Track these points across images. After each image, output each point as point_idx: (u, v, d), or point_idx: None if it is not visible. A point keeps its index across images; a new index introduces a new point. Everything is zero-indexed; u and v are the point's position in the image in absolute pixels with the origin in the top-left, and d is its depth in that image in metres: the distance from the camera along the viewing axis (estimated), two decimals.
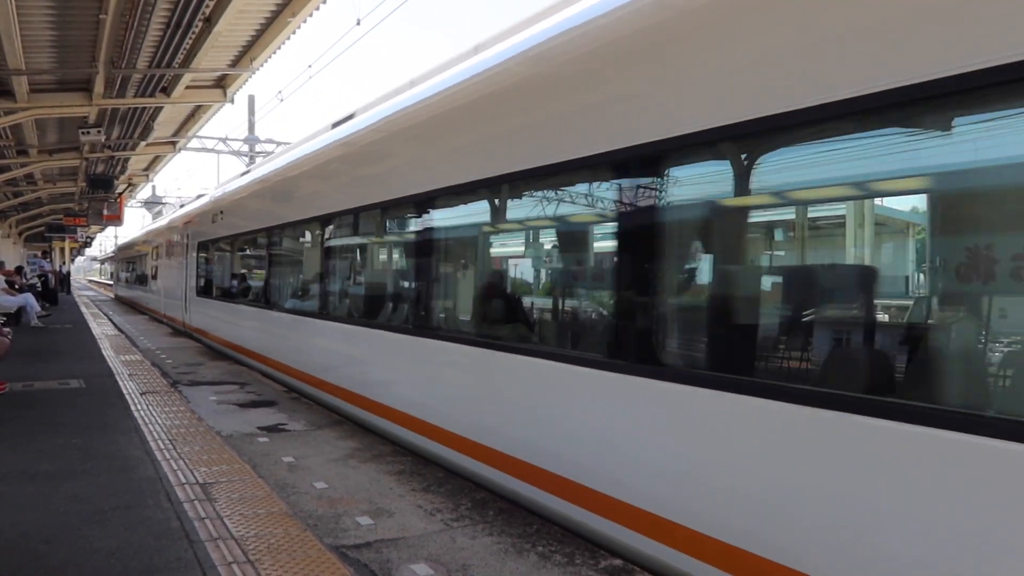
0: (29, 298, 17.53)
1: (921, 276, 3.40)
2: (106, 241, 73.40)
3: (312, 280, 8.97)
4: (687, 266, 3.99)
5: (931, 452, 2.48)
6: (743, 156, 3.35)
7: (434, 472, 5.33)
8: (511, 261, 5.87)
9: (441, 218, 5.81)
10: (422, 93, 6.24)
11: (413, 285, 6.38)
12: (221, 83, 14.82)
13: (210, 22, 10.57)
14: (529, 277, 5.59)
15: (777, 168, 3.31)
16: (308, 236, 9.41)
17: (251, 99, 28.12)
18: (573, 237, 4.92)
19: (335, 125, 8.53)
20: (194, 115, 17.79)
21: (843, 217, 3.60)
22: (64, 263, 40.66)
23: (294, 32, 11.85)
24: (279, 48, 12.56)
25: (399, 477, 5.22)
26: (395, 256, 7.31)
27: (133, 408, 7.46)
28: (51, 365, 10.56)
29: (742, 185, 3.38)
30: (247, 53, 12.85)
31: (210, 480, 5.02)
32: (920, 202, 3.48)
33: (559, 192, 4.65)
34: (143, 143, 18.54)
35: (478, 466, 4.97)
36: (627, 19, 3.91)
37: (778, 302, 3.62)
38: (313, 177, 8.96)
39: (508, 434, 4.70)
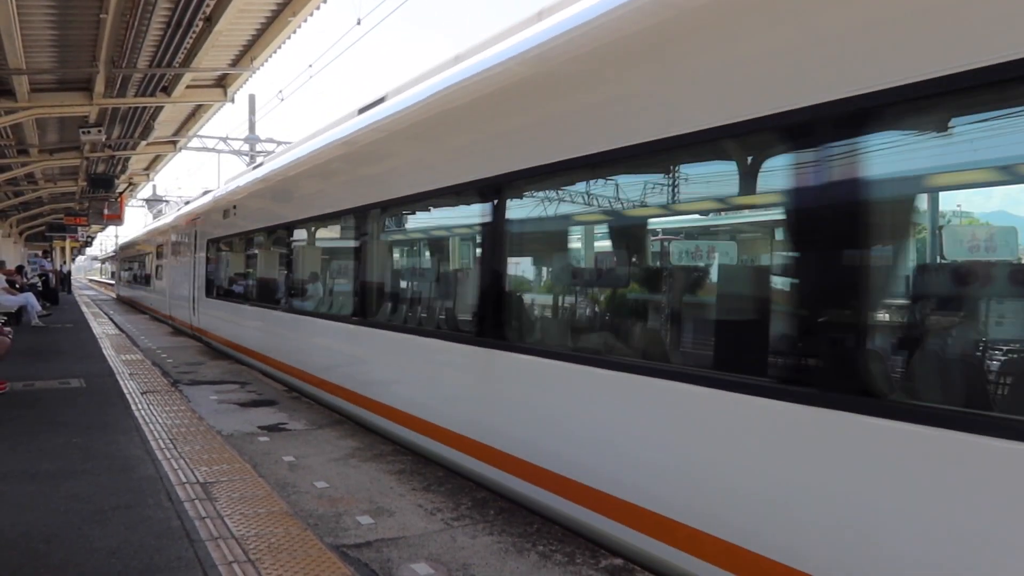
0: (30, 297, 17.54)
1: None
2: (107, 240, 73.56)
3: (332, 281, 8.41)
4: (682, 265, 4.01)
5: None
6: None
7: (434, 471, 5.33)
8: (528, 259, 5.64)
9: (498, 209, 5.05)
10: (476, 67, 5.41)
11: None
12: (222, 82, 14.81)
13: (211, 21, 10.57)
14: (531, 276, 5.58)
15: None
16: (334, 232, 8.64)
17: (252, 98, 28.11)
18: (574, 235, 4.91)
19: (362, 111, 7.82)
20: (195, 114, 17.79)
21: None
22: (65, 262, 40.71)
23: (295, 32, 11.85)
24: (279, 48, 12.55)
25: (399, 476, 5.22)
26: (448, 251, 6.69)
27: (134, 407, 7.46)
28: (52, 364, 10.57)
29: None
30: (247, 52, 12.85)
31: (211, 479, 5.02)
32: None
33: (607, 183, 4.36)
34: (144, 143, 18.54)
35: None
36: None
37: (776, 299, 3.62)
38: (333, 170, 8.23)
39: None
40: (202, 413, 7.28)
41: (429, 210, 6.33)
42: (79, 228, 36.23)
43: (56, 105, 13.80)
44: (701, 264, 4.51)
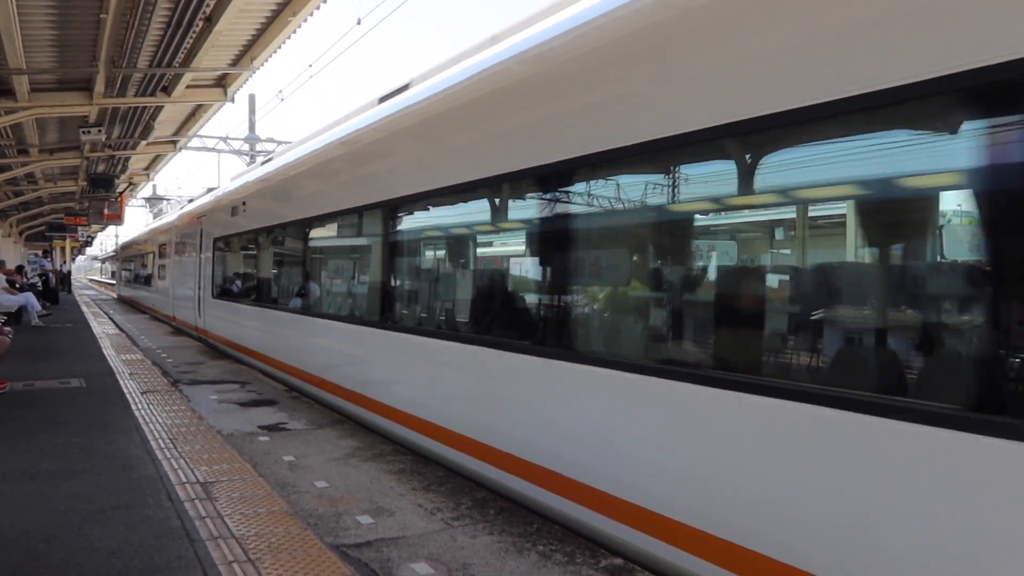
0: (30, 297, 17.54)
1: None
2: (107, 240, 73.60)
3: (354, 281, 7.81)
4: (694, 265, 3.99)
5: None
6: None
7: (434, 471, 5.33)
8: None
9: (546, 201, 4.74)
10: (518, 47, 4.98)
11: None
12: (222, 82, 14.82)
13: (211, 21, 10.57)
14: (531, 275, 5.55)
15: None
16: (357, 229, 7.92)
17: (252, 98, 28.07)
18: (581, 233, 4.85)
19: (383, 99, 7.34)
20: (195, 114, 17.80)
21: None
22: (65, 262, 40.71)
23: (295, 31, 11.85)
24: (280, 47, 12.56)
25: (399, 476, 5.22)
26: (486, 248, 6.16)
27: (134, 407, 7.46)
28: (52, 364, 10.57)
29: None
30: (248, 52, 12.85)
31: (211, 479, 5.02)
32: None
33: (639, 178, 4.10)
34: (144, 142, 18.55)
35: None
36: None
37: (779, 301, 3.62)
38: (352, 163, 7.67)
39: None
40: (202, 413, 7.28)
41: (474, 203, 5.69)
42: (79, 228, 36.24)
43: (56, 105, 13.81)
44: (700, 263, 4.49)
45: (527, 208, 5.02)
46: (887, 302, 3.16)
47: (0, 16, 9.13)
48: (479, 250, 6.15)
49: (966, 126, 2.63)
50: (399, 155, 6.58)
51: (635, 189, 4.13)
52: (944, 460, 2.47)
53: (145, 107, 15.12)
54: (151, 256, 23.41)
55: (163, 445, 5.92)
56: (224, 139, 27.41)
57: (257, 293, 11.25)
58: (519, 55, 4.93)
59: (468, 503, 4.63)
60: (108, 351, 12.34)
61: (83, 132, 14.97)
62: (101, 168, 22.23)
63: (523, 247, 5.32)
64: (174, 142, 20.86)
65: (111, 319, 20.42)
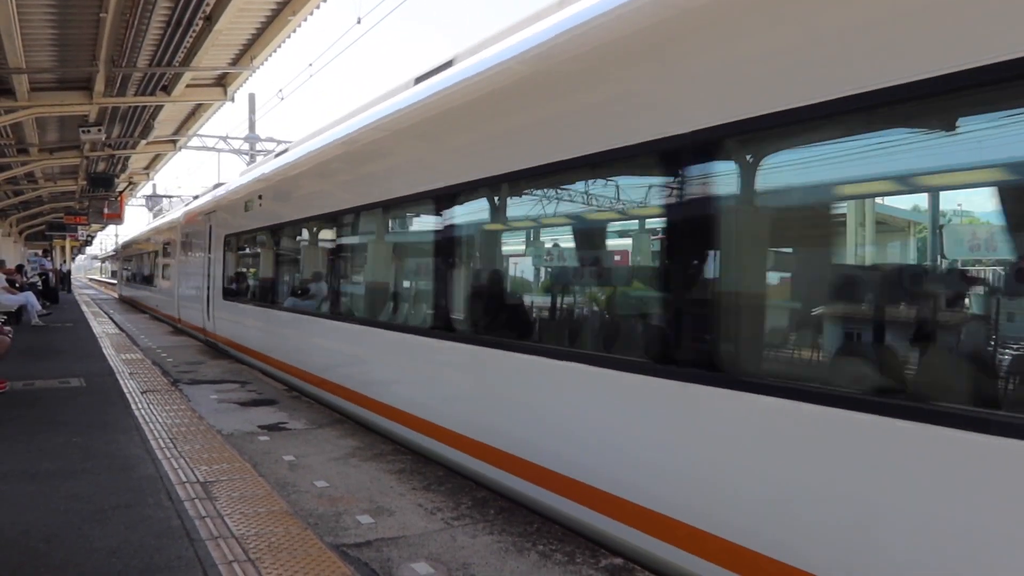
0: (30, 297, 17.55)
1: None
2: (107, 240, 73.63)
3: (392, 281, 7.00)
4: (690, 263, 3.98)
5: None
6: None
7: (434, 471, 5.33)
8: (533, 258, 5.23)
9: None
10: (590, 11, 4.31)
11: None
12: (222, 81, 14.81)
13: (210, 20, 10.57)
14: (529, 276, 5.56)
15: None
16: (404, 222, 7.12)
17: (251, 97, 28.09)
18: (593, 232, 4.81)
19: (419, 80, 6.58)
20: (195, 114, 17.79)
21: None
22: (65, 262, 40.74)
23: (294, 31, 11.84)
24: (279, 46, 12.54)
25: (400, 476, 5.21)
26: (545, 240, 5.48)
27: (134, 407, 7.46)
28: (52, 364, 10.57)
29: None
30: (247, 52, 12.85)
31: (211, 479, 5.02)
32: None
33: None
34: (144, 142, 18.55)
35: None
36: None
37: (787, 297, 3.62)
38: (395, 148, 6.73)
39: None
40: (202, 412, 7.28)
41: (544, 190, 4.94)
42: (79, 227, 36.27)
43: (56, 104, 13.81)
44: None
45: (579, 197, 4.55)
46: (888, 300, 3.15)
47: (0, 16, 9.13)
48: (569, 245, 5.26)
49: None
50: (457, 136, 5.65)
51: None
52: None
53: (145, 106, 15.12)
54: (155, 255, 22.73)
55: (163, 445, 5.92)
56: (224, 138, 27.41)
57: (275, 294, 10.26)
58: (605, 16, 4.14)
59: (468, 503, 4.63)
60: (108, 350, 12.34)
61: (83, 131, 14.97)
62: (101, 167, 22.24)
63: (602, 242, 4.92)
64: (174, 141, 20.86)
65: (111, 318, 20.42)
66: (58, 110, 14.21)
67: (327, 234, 8.56)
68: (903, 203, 3.62)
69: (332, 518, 4.34)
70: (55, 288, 26.83)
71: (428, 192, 5.76)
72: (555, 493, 4.24)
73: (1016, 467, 2.28)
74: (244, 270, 12.28)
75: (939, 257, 3.22)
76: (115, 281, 48.11)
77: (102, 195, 23.85)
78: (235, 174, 15.28)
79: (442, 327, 5.58)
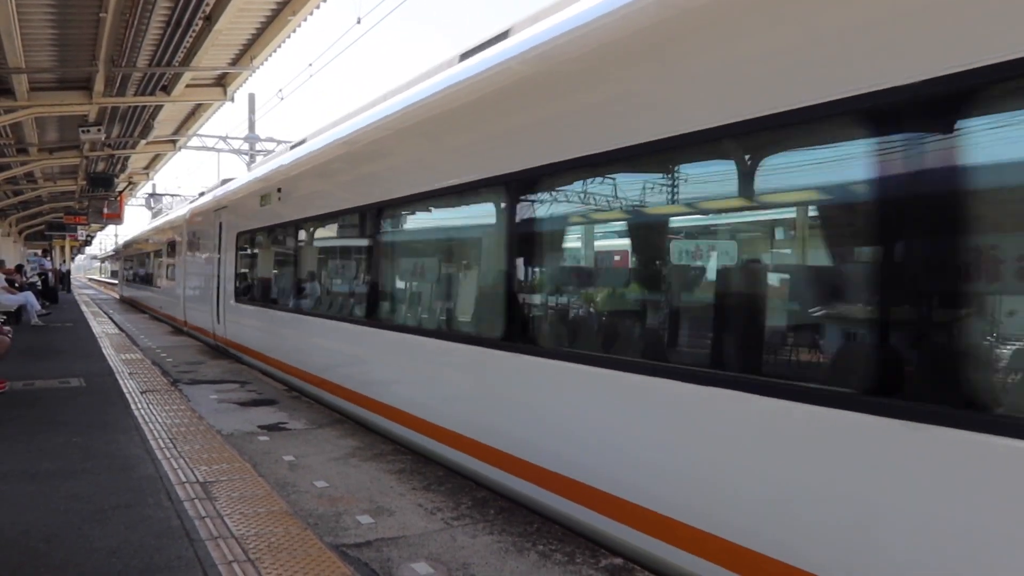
0: (29, 296, 17.54)
1: None
2: (106, 239, 73.65)
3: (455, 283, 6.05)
4: (688, 265, 3.99)
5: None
6: None
7: (434, 471, 5.33)
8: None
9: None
10: None
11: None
12: (221, 81, 14.80)
13: (210, 20, 10.56)
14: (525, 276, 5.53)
15: None
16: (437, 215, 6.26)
17: (251, 97, 28.14)
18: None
19: (464, 57, 5.88)
20: (194, 113, 17.78)
21: None
22: (64, 261, 40.71)
23: (294, 31, 11.84)
24: (279, 46, 12.53)
25: (399, 476, 5.22)
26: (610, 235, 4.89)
27: (133, 407, 7.46)
28: (51, 364, 10.57)
29: None
30: (247, 51, 12.84)
31: (210, 479, 5.02)
32: None
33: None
34: (143, 142, 18.53)
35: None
36: None
37: (787, 298, 3.61)
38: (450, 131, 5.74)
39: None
40: (202, 412, 7.28)
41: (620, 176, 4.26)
42: (79, 227, 36.25)
43: (56, 104, 13.79)
44: (697, 263, 4.47)
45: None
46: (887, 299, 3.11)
47: (0, 16, 9.13)
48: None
49: None
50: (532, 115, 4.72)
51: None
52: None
53: (145, 106, 15.11)
54: (159, 255, 21.70)
55: (163, 445, 5.92)
56: (224, 138, 27.45)
57: (292, 295, 9.38)
58: None
59: (468, 503, 4.63)
60: (108, 350, 12.33)
61: (83, 131, 14.96)
62: (101, 167, 22.23)
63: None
64: (174, 141, 20.84)
65: (110, 318, 20.42)
66: (58, 110, 14.20)
67: (363, 230, 7.33)
68: None
69: (332, 518, 4.34)
70: (55, 288, 26.82)
71: (496, 178, 4.89)
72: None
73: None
74: (264, 271, 11.13)
75: None
76: (115, 281, 47.86)
77: (102, 195, 23.84)
78: (244, 169, 14.90)
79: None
